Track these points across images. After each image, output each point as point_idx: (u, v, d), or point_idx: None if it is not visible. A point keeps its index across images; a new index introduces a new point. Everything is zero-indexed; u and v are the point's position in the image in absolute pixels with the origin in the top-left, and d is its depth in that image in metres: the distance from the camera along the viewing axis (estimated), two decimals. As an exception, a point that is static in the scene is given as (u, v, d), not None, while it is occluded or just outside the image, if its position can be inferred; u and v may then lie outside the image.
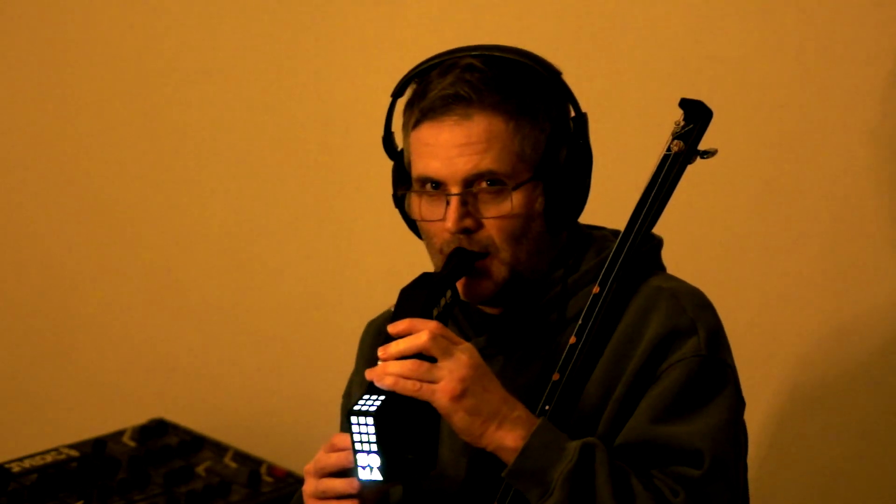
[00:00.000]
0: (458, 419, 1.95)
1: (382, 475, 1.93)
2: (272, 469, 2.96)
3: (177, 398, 3.41)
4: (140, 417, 3.10)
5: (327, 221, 3.34)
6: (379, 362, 1.96)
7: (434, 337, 1.94)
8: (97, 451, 2.92)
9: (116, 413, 3.33)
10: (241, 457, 3.00)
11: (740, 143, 2.88)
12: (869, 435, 2.88)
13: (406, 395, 1.93)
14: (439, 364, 1.94)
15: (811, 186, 2.90)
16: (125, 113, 3.47)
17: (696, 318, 2.04)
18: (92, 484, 2.80)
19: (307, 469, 2.05)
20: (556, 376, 2.03)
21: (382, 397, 1.93)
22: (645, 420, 2.01)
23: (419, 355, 1.94)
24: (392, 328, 1.96)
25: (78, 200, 3.52)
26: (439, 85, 2.08)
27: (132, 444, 3.00)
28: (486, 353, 2.07)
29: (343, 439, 2.01)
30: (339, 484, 2.01)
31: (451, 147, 2.06)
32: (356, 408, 1.92)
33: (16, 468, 2.80)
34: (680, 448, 1.99)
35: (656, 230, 2.11)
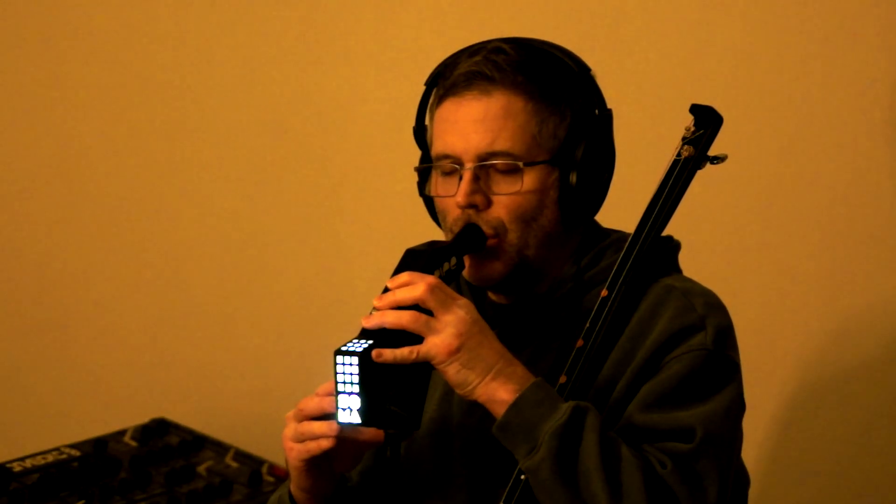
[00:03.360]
0: (453, 372, 1.95)
1: (362, 418, 1.91)
2: (273, 468, 2.96)
3: (178, 398, 3.41)
4: (141, 417, 3.10)
5: (328, 222, 3.33)
6: (373, 311, 1.95)
7: (431, 289, 1.93)
8: (98, 450, 2.92)
9: (117, 413, 3.33)
10: (242, 456, 3.00)
11: (740, 145, 2.89)
12: (870, 434, 2.90)
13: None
14: (436, 317, 1.94)
15: (811, 188, 2.90)
16: (125, 112, 3.46)
17: (705, 315, 2.04)
18: (93, 484, 2.80)
19: (288, 416, 2.03)
20: (562, 378, 2.03)
21: (371, 342, 1.92)
22: (640, 406, 2.01)
23: (416, 308, 1.94)
24: (391, 281, 1.96)
25: (78, 201, 3.51)
26: (465, 64, 2.09)
27: (133, 443, 2.99)
28: None
29: (327, 386, 1.99)
30: (317, 426, 1.99)
31: (468, 122, 2.07)
32: (342, 348, 1.91)
33: (17, 468, 2.80)
34: (672, 428, 1.99)
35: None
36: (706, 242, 2.94)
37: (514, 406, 1.94)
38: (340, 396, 1.92)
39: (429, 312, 1.94)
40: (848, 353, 2.90)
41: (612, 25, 3.02)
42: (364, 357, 1.90)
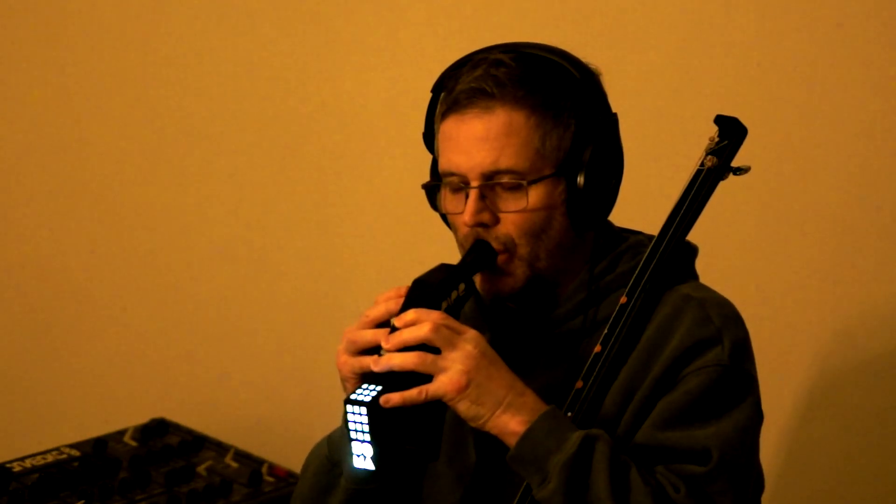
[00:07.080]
0: (464, 408, 1.96)
1: (375, 465, 1.92)
2: (273, 469, 2.96)
3: (177, 398, 3.41)
4: (141, 417, 3.09)
5: (328, 222, 3.33)
6: (382, 352, 1.95)
7: (437, 328, 1.94)
8: (98, 450, 2.91)
9: (117, 413, 3.33)
10: (242, 456, 2.99)
11: (745, 148, 2.91)
12: (871, 435, 2.92)
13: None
14: (443, 355, 1.94)
15: (816, 192, 2.92)
16: (126, 112, 3.46)
17: (722, 328, 2.04)
18: (93, 484, 2.79)
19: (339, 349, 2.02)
20: (579, 384, 2.04)
21: (380, 387, 1.92)
22: (656, 424, 2.01)
23: (424, 346, 1.94)
24: (397, 320, 1.96)
25: (78, 201, 3.50)
26: (467, 79, 2.08)
27: (133, 443, 2.98)
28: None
29: (375, 314, 2.00)
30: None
31: (471, 140, 2.06)
32: (352, 397, 1.91)
33: (17, 468, 2.79)
34: (688, 449, 1.99)
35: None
36: (712, 247, 2.95)
37: (524, 438, 1.96)
38: (353, 444, 1.92)
39: (437, 350, 1.95)
40: (854, 355, 2.92)
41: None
42: (373, 406, 1.90)
